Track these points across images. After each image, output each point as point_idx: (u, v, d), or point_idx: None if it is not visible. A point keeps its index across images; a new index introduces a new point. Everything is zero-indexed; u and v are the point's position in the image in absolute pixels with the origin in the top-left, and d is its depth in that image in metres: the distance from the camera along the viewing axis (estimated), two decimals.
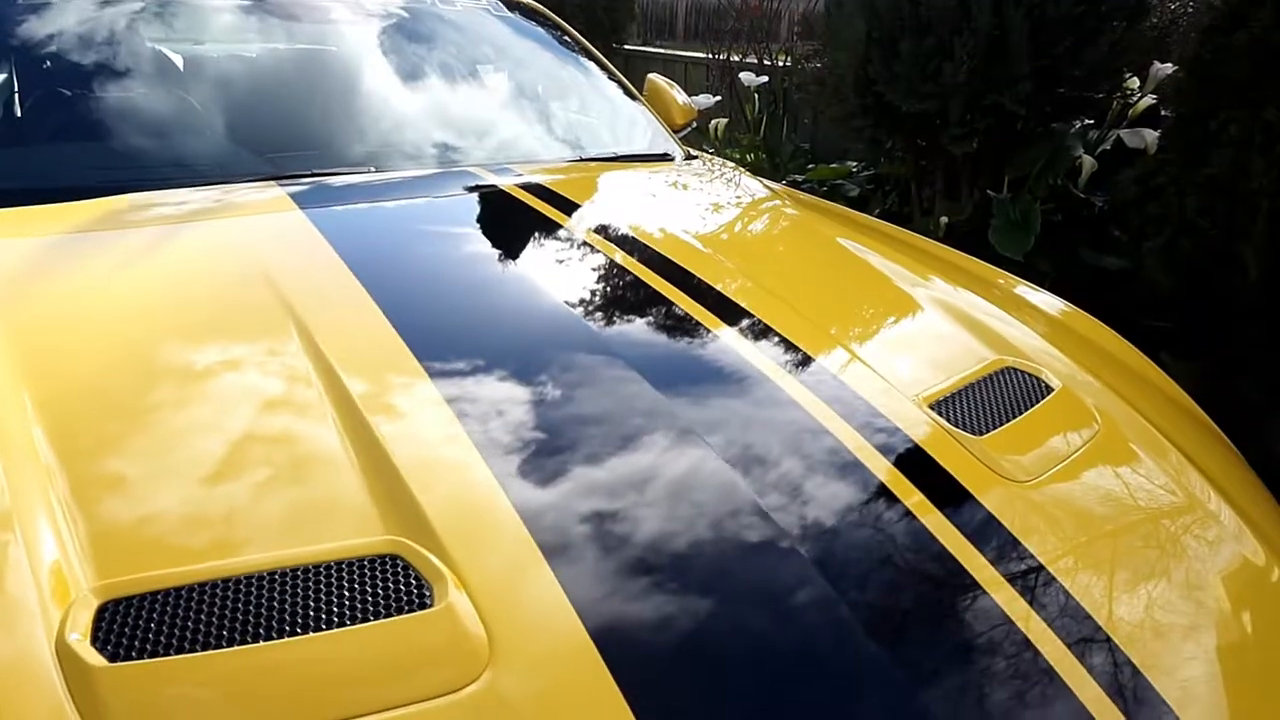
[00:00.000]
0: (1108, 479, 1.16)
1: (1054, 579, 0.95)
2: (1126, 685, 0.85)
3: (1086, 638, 0.89)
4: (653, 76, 2.98)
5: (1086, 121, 3.28)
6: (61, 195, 1.56)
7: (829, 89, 3.33)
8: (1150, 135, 2.93)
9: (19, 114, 1.82)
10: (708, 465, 1.00)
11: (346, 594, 0.78)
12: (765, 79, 4.63)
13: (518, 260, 1.48)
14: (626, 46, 6.85)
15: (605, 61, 2.70)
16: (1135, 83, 3.19)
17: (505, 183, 1.83)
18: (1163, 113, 3.00)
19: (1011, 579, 0.93)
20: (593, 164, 2.19)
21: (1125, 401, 1.32)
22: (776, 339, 1.28)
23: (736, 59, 5.40)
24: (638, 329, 1.31)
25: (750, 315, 1.34)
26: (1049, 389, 1.30)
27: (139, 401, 1.03)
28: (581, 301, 1.36)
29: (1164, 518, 1.11)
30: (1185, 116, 2.34)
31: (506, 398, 1.07)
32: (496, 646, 0.76)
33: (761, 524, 0.93)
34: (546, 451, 0.99)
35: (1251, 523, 1.13)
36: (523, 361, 1.16)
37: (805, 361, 1.23)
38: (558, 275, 1.45)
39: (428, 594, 0.79)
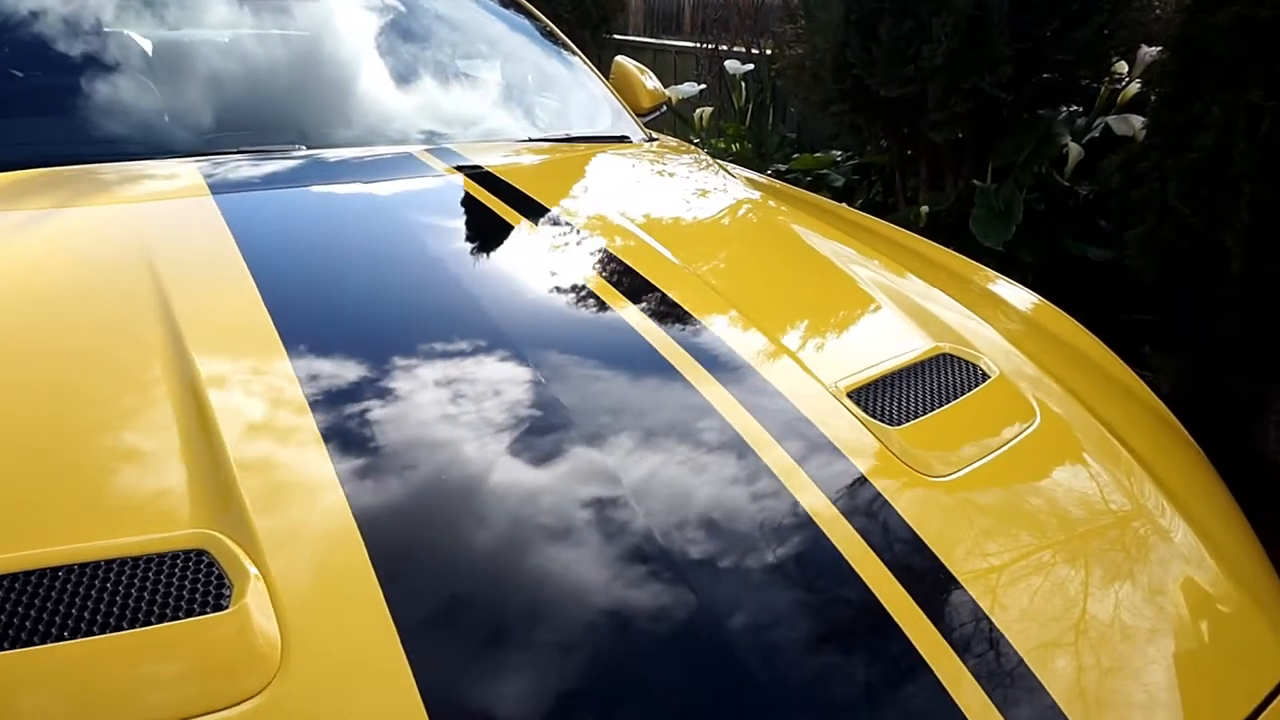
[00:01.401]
0: (1038, 477, 1.06)
1: (954, 582, 0.86)
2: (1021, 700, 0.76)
3: (980, 644, 0.80)
4: (620, 59, 2.88)
5: (1074, 108, 3.17)
6: None
7: (807, 74, 3.22)
8: (1138, 121, 2.81)
9: None
10: (582, 462, 0.91)
11: (143, 592, 0.72)
12: (750, 67, 4.52)
13: (429, 244, 1.38)
14: (615, 36, 6.74)
15: (567, 41, 2.60)
16: (1124, 67, 3.08)
17: (436, 162, 1.75)
18: (1151, 97, 2.89)
19: (909, 581, 0.84)
20: (542, 144, 2.11)
21: (1076, 397, 1.21)
22: (686, 322, 1.19)
23: (725, 48, 5.29)
24: (535, 311, 1.21)
25: (664, 297, 1.25)
26: (984, 377, 1.20)
27: None
28: (487, 286, 1.26)
29: (1099, 523, 1.01)
30: (1168, 99, 2.23)
31: (371, 389, 0.98)
32: (290, 659, 0.69)
33: (641, 539, 0.84)
34: (399, 449, 0.90)
35: (1207, 537, 1.02)
36: (402, 351, 1.07)
37: (714, 347, 1.14)
38: (470, 260, 1.36)
39: (226, 594, 0.73)
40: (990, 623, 0.83)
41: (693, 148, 2.44)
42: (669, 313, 1.20)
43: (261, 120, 1.89)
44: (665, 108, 2.92)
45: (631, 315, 1.19)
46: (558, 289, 1.27)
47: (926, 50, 2.80)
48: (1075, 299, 1.90)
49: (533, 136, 2.14)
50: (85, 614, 0.70)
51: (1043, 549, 0.94)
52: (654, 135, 2.41)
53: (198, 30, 2.07)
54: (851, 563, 0.85)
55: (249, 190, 1.55)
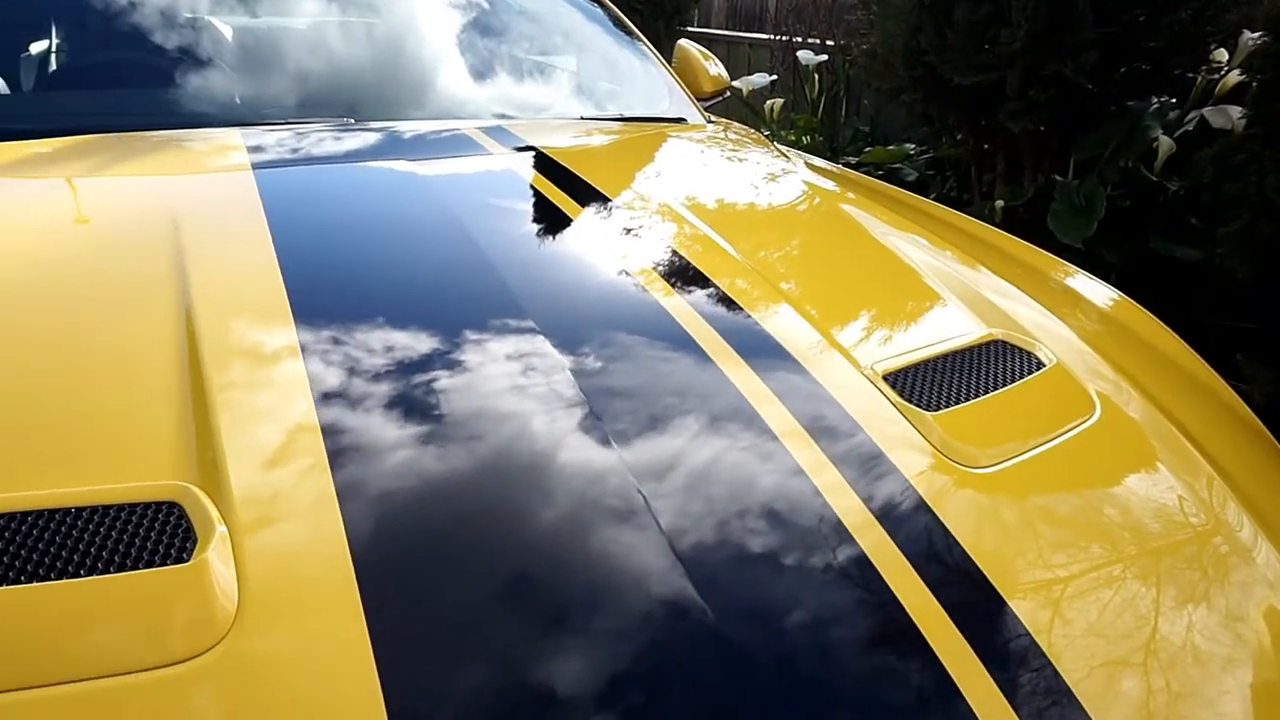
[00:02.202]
0: (1096, 478, 0.94)
1: (992, 591, 0.76)
2: None
3: (1020, 668, 0.71)
4: (683, 43, 2.79)
5: (1166, 99, 2.97)
6: (20, 134, 1.56)
7: (878, 62, 3.09)
8: (1237, 113, 2.62)
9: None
10: (590, 451, 0.84)
11: (106, 540, 0.70)
12: (824, 58, 4.39)
13: (465, 221, 1.32)
14: (689, 29, 6.64)
15: (623, 20, 2.52)
16: (1224, 55, 2.87)
17: (485, 139, 1.70)
18: (1252, 85, 2.68)
19: (940, 589, 0.75)
20: (594, 123, 2.04)
21: (1149, 397, 1.09)
22: (719, 303, 1.11)
23: (800, 40, 5.15)
24: (566, 294, 1.14)
25: (702, 277, 1.17)
26: (1039, 365, 1.08)
27: None
28: (518, 265, 1.19)
29: (1168, 535, 0.88)
30: (1269, 84, 2.05)
31: (374, 363, 0.93)
32: (244, 617, 0.66)
33: (639, 512, 0.77)
34: (393, 422, 0.85)
35: None
36: (416, 327, 1.01)
37: (745, 327, 1.06)
38: (505, 238, 1.29)
39: (189, 548, 0.70)
40: (1032, 641, 0.73)
41: (751, 131, 2.33)
42: (703, 293, 1.12)
43: (312, 92, 1.86)
44: (728, 93, 2.83)
45: (664, 296, 1.11)
46: (592, 271, 1.20)
47: (1005, 35, 2.65)
48: (1160, 302, 1.75)
49: (586, 115, 2.08)
50: (43, 559, 0.68)
51: (1097, 559, 0.83)
52: (712, 118, 2.32)
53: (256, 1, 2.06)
54: (876, 566, 0.76)
55: (287, 160, 1.52)
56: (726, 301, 1.11)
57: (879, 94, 3.27)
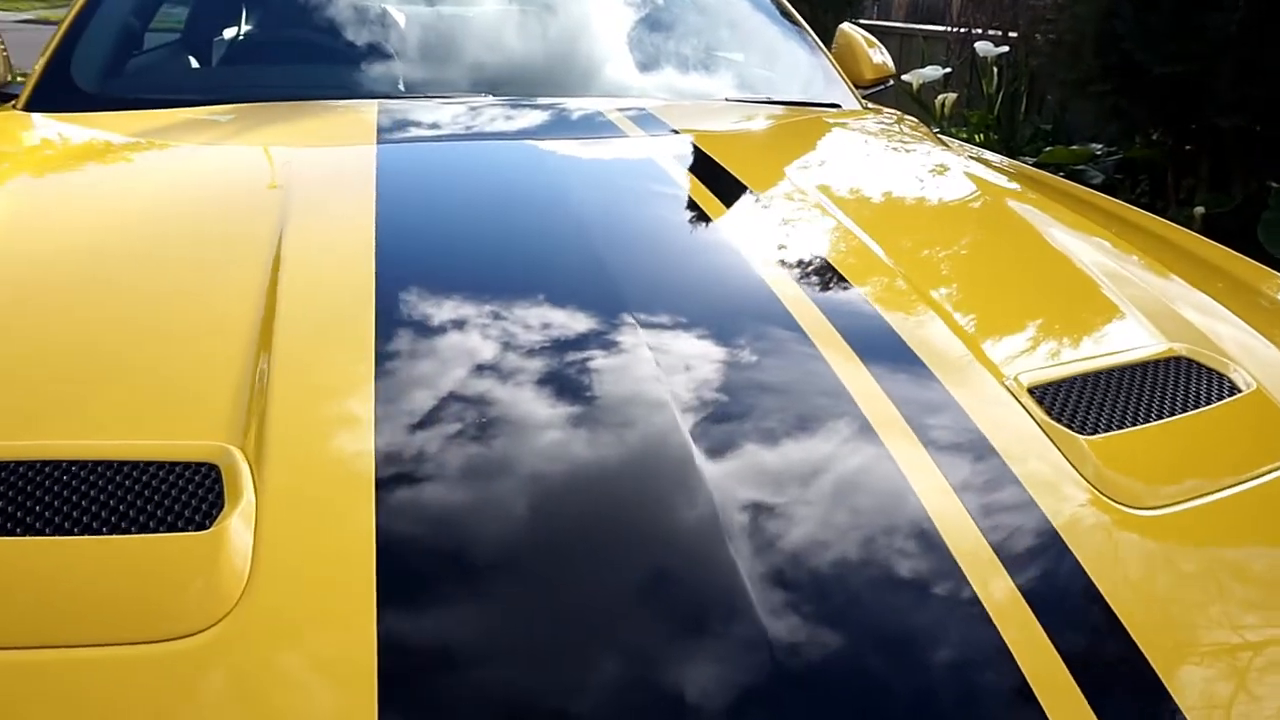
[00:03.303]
0: None
1: (1145, 669, 0.60)
2: None
3: None
4: (845, 27, 2.63)
5: None
6: (158, 103, 1.63)
7: (1064, 49, 2.81)
8: None
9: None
10: (671, 438, 0.74)
11: (137, 497, 0.67)
12: (1005, 49, 4.08)
13: (578, 202, 1.23)
14: (861, 22, 6.38)
15: (784, 3, 2.38)
16: None
17: (620, 119, 1.61)
18: None
19: (1073, 657, 0.59)
20: (738, 105, 1.92)
21: None
22: (849, 305, 0.97)
23: (979, 31, 4.83)
24: (675, 284, 1.02)
25: (838, 277, 1.03)
26: (1232, 390, 0.88)
27: (76, 273, 1.00)
28: (629, 254, 1.09)
29: None
30: None
31: (450, 345, 0.86)
32: (253, 594, 0.61)
33: (724, 530, 0.65)
34: (449, 406, 0.78)
35: None
36: (500, 308, 0.94)
37: (869, 325, 0.92)
38: (622, 224, 1.19)
39: (214, 515, 0.66)
40: None
41: (912, 119, 2.14)
42: (836, 296, 0.99)
43: (452, 68, 1.84)
44: (892, 83, 2.64)
45: (790, 299, 0.98)
46: (706, 264, 1.08)
47: (1216, 20, 2.34)
48: None
49: (731, 97, 1.95)
50: (64, 511, 0.65)
51: None
52: (869, 105, 2.14)
53: None
54: (991, 615, 0.61)
55: (412, 134, 1.49)
56: (859, 306, 0.97)
57: (1064, 86, 2.99)
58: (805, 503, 0.69)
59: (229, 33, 2.24)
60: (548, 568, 0.64)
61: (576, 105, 1.71)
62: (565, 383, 0.80)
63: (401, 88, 1.77)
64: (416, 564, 0.64)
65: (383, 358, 0.82)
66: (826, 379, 0.82)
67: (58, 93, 1.67)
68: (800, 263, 1.06)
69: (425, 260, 1.05)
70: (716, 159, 1.42)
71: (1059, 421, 0.79)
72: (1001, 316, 1.01)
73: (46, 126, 1.56)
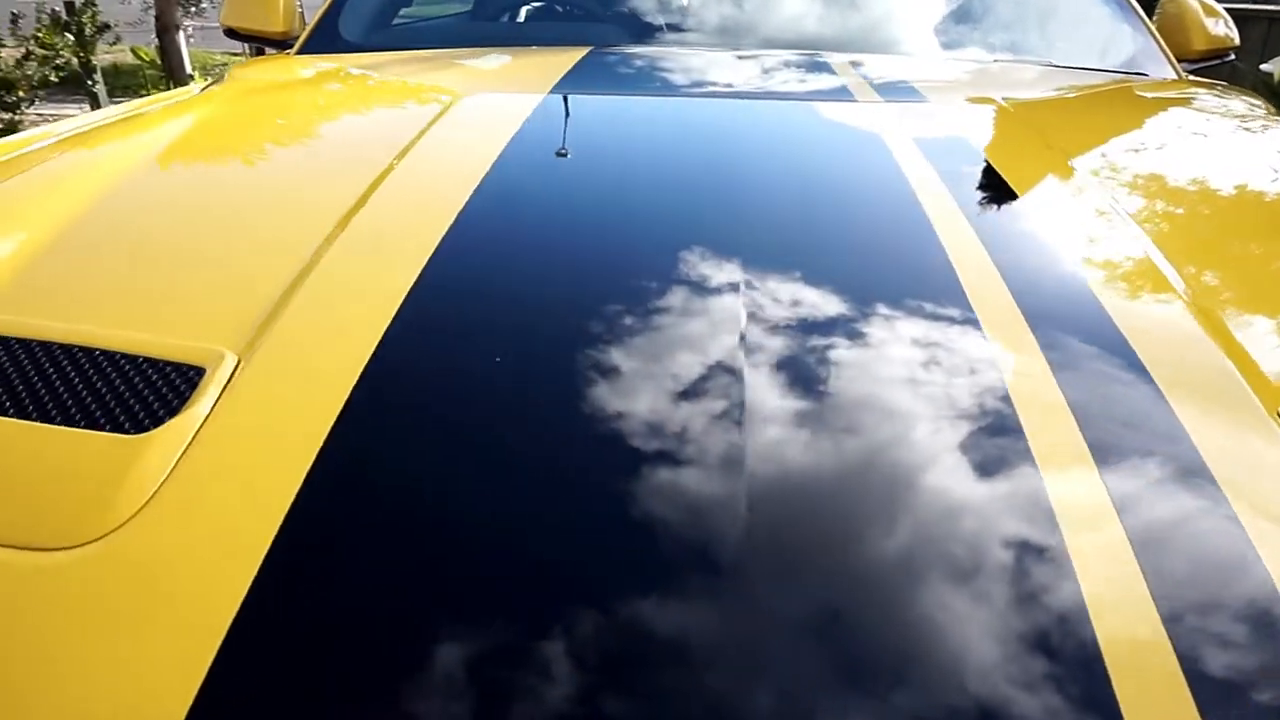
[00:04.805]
0: None
1: None
2: None
3: None
4: None
5: None
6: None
7: None
8: None
9: None
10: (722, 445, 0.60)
11: (100, 389, 0.64)
12: None
13: (751, 165, 1.06)
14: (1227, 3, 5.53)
15: None
16: None
17: (849, 74, 1.45)
18: None
19: None
20: (1009, 67, 1.69)
21: None
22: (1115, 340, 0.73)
23: None
24: (810, 273, 0.80)
25: (1089, 288, 0.79)
26: None
27: (234, 183, 1.06)
28: (801, 237, 0.89)
29: None
30: None
31: (503, 296, 0.79)
32: (148, 512, 0.55)
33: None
34: (475, 328, 0.73)
35: None
36: (576, 248, 0.88)
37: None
38: (803, 200, 0.98)
39: (160, 418, 0.61)
40: None
41: (1248, 94, 1.75)
42: (1081, 315, 0.76)
43: (690, 16, 1.80)
44: (1233, 56, 2.22)
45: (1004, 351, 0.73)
46: (905, 267, 0.83)
47: None
48: None
49: (995, 58, 1.71)
50: (19, 392, 0.64)
51: None
52: (1191, 78, 1.79)
53: None
54: None
55: (591, 84, 1.43)
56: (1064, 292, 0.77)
57: None
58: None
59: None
60: (509, 517, 0.55)
61: (803, 61, 1.57)
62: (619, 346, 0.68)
63: (611, 34, 1.77)
64: (342, 503, 0.56)
65: (422, 284, 0.76)
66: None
67: (324, 41, 1.82)
68: (1061, 284, 0.82)
69: (524, 200, 0.97)
70: (962, 134, 1.20)
71: None
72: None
73: (304, 65, 1.71)
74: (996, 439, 0.59)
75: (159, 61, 7.15)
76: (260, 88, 1.53)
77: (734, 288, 0.75)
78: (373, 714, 0.44)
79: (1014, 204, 0.97)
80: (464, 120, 1.21)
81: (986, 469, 0.57)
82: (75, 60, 6.00)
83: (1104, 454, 0.59)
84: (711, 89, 1.40)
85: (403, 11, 2.12)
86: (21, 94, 5.48)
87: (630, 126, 1.26)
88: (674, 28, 1.78)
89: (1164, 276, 0.80)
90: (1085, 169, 1.08)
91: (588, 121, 1.24)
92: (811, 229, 0.90)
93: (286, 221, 0.91)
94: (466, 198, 0.91)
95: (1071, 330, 0.71)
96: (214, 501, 0.56)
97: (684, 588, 0.49)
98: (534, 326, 0.73)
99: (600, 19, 1.94)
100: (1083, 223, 0.93)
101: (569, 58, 1.53)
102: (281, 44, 1.95)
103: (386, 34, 1.98)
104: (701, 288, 0.75)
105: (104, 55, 6.88)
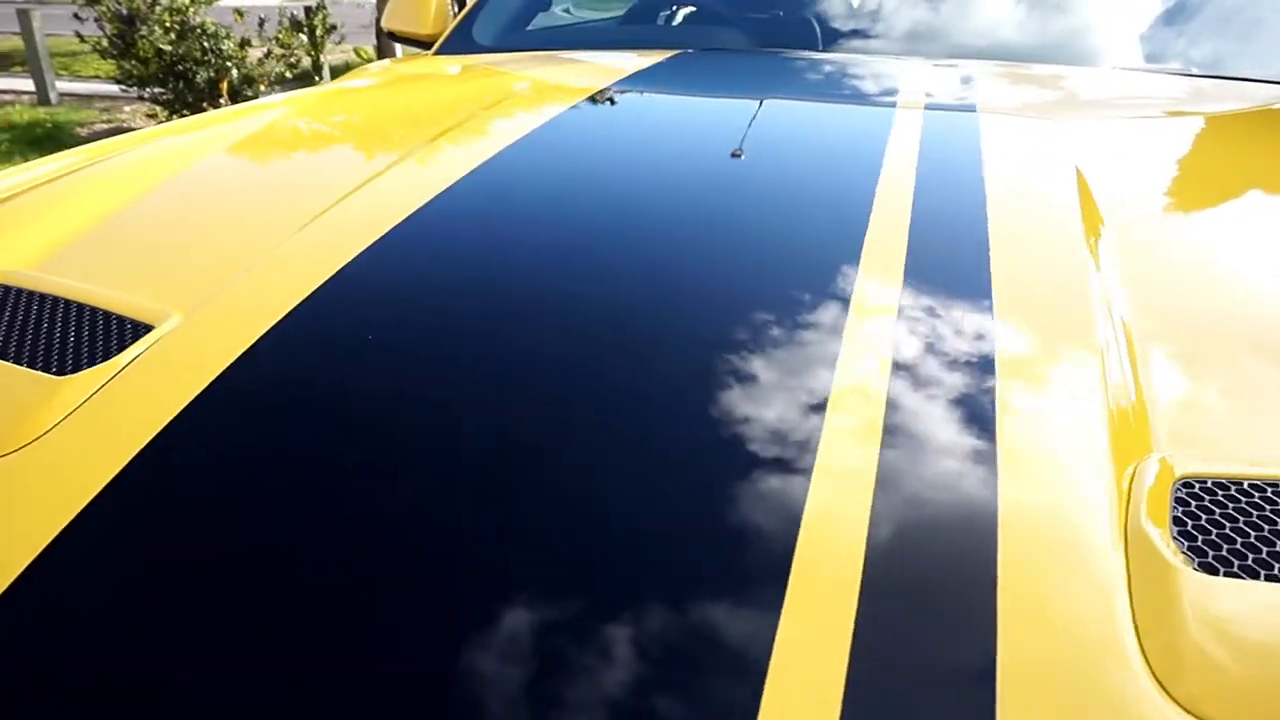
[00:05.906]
0: None
1: None
2: None
3: None
4: None
5: None
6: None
7: None
8: None
9: None
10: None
11: (54, 333, 0.69)
12: None
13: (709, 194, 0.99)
14: None
15: None
16: None
17: (921, 70, 1.50)
18: None
19: None
20: (1107, 72, 1.64)
21: None
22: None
23: None
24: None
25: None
26: None
27: (318, 162, 1.16)
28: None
29: None
30: None
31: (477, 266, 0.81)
32: (45, 441, 0.58)
33: None
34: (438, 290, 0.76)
35: None
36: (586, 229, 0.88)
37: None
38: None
39: (83, 365, 0.65)
40: None
41: None
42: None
43: (849, 21, 1.86)
44: None
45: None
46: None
47: None
48: None
49: (1113, 64, 1.64)
50: None
51: None
52: None
53: None
54: None
55: (707, 76, 1.56)
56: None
57: None
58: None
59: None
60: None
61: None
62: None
63: (729, 39, 1.86)
64: (205, 443, 0.57)
65: (359, 261, 0.77)
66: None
67: (460, 43, 2.05)
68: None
69: (500, 187, 0.98)
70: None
71: (1180, 540, 0.49)
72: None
73: (438, 63, 1.88)
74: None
75: (375, 59, 7.97)
76: (359, 84, 1.67)
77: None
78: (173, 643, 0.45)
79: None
80: (538, 111, 1.28)
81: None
82: (307, 58, 6.83)
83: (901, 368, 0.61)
84: (865, 96, 1.40)
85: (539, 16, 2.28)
86: (262, 88, 6.34)
87: (681, 121, 1.33)
88: (805, 34, 1.84)
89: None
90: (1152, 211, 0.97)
91: (625, 123, 1.30)
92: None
93: (298, 205, 0.92)
94: (467, 170, 0.99)
95: None
96: (89, 437, 0.57)
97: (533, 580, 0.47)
98: (449, 309, 0.72)
99: (708, 21, 2.10)
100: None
101: (650, 60, 1.64)
102: (431, 46, 2.14)
103: (516, 37, 2.14)
104: (700, 283, 0.77)
105: (334, 55, 7.77)
